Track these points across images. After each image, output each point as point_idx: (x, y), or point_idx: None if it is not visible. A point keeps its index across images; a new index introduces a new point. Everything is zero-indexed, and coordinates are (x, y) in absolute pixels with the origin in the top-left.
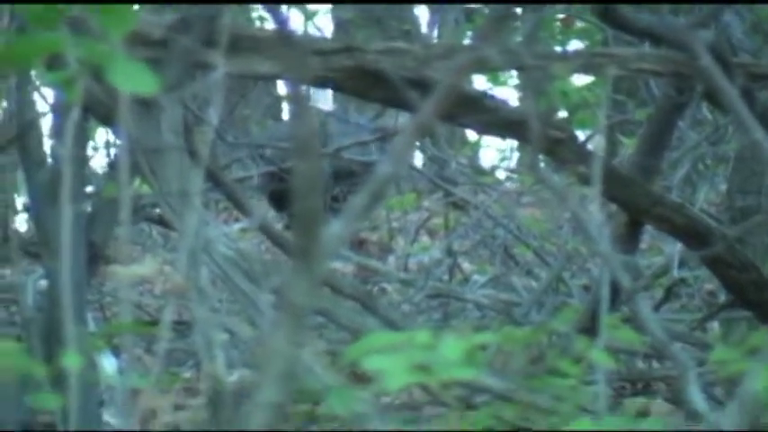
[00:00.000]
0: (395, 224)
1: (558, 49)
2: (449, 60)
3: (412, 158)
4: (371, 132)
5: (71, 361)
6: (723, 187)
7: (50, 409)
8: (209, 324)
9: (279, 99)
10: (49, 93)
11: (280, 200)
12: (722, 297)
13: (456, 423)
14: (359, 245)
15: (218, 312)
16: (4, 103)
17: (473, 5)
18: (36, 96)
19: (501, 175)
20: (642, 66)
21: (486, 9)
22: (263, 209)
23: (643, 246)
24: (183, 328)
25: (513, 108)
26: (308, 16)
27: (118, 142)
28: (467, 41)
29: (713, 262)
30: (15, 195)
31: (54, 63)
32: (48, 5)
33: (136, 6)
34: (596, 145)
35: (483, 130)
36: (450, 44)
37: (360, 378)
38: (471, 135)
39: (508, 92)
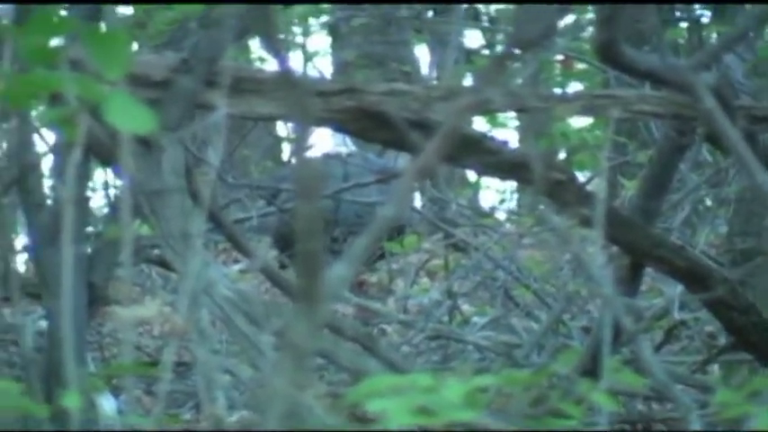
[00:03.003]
0: (394, 266)
1: (558, 90)
2: (451, 102)
3: (413, 200)
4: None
5: (71, 401)
6: (724, 229)
7: None
8: (209, 365)
9: (279, 140)
10: (48, 133)
11: (284, 240)
12: (723, 339)
13: None
14: (358, 286)
15: (219, 354)
16: (5, 144)
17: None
18: (36, 137)
19: (501, 216)
20: (644, 108)
21: (486, 51)
22: (263, 250)
23: (643, 287)
24: (183, 369)
25: (513, 149)
26: (308, 57)
27: (117, 183)
28: (466, 83)
29: (714, 304)
30: (15, 236)
31: (55, 103)
32: (48, 47)
33: (135, 46)
34: (598, 187)
35: (483, 171)
36: (452, 86)
37: (360, 420)
38: (471, 176)
39: (507, 133)
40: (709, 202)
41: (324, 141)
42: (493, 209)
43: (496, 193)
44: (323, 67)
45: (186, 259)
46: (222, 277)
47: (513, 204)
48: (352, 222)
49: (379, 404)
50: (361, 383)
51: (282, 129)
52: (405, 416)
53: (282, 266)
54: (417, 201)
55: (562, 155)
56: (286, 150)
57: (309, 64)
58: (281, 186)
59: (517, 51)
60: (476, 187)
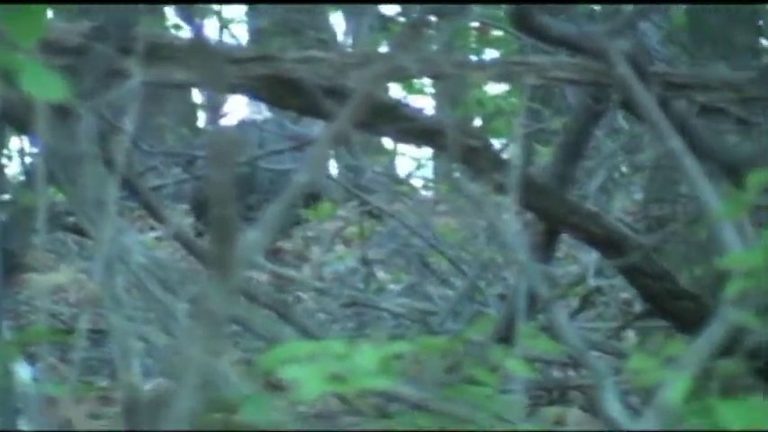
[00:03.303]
0: (309, 233)
1: (474, 57)
2: (365, 68)
3: (327, 167)
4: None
5: None
6: (639, 196)
7: None
8: (124, 333)
9: (194, 107)
10: None
11: (200, 208)
12: (638, 306)
13: None
14: (273, 253)
15: (134, 321)
16: None
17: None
18: None
19: (416, 183)
20: (559, 74)
21: (401, 17)
22: (178, 217)
23: (558, 254)
24: (98, 336)
25: (428, 116)
26: (224, 24)
27: (33, 150)
28: (382, 50)
29: (629, 271)
30: None
31: None
32: None
33: (50, 14)
34: (513, 153)
35: (399, 138)
36: (367, 52)
37: (275, 387)
38: (387, 143)
39: (424, 100)
40: (624, 169)
41: (239, 108)
42: (408, 176)
43: (412, 160)
44: (238, 34)
45: (101, 226)
46: (137, 244)
47: (428, 171)
48: (267, 189)
49: (293, 371)
50: (275, 350)
51: (198, 96)
52: (318, 383)
53: (198, 234)
54: (333, 168)
55: (477, 122)
56: (201, 117)
57: (225, 31)
58: (196, 153)
59: (432, 18)
60: (391, 154)
